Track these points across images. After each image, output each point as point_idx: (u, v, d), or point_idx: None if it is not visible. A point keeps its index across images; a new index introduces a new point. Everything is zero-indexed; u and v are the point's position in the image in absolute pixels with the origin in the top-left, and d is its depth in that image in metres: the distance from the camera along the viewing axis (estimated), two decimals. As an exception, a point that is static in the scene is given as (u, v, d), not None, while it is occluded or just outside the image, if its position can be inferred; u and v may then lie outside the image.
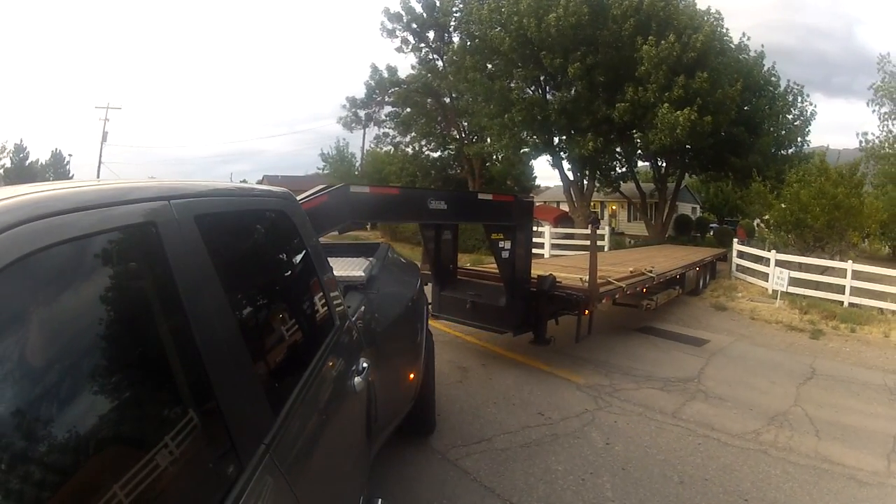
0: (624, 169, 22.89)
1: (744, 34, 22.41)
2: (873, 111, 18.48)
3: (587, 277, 6.51)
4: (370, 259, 3.82)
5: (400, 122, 26.79)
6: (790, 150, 19.67)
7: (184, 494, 1.03)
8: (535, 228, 10.28)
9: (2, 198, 0.88)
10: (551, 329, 6.42)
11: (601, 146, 17.62)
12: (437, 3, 23.66)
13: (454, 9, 23.09)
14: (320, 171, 35.38)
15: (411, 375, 3.47)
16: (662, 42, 15.19)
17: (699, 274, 11.48)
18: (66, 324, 0.90)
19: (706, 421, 4.92)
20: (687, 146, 17.75)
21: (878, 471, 4.13)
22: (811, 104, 19.92)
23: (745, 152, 18.46)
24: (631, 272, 8.15)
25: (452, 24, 23.79)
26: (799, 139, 19.59)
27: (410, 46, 25.18)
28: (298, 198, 2.73)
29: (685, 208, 32.30)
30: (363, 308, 2.92)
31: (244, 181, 18.70)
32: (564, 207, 23.98)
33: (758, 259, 13.05)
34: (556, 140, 19.81)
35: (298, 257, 2.16)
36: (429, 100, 25.50)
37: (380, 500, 2.34)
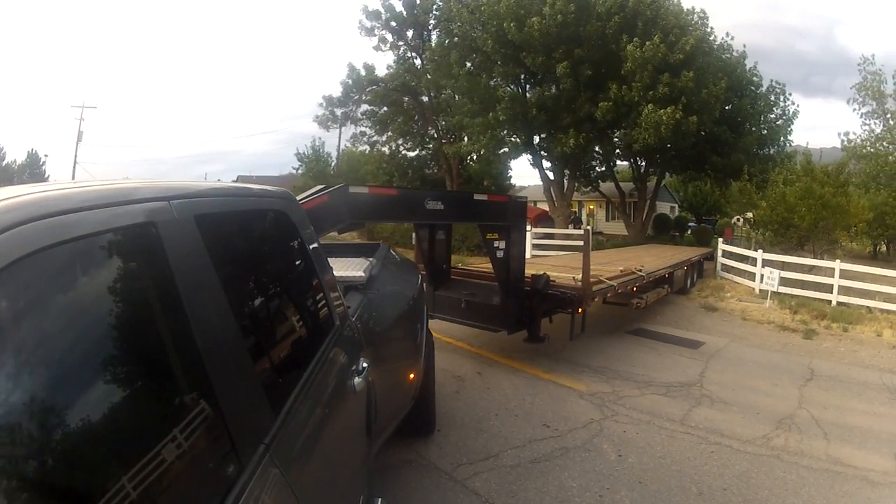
0: (603, 168, 22.91)
1: (727, 33, 22.71)
2: (854, 110, 18.76)
3: (580, 276, 6.61)
4: (370, 259, 3.78)
5: (377, 121, 26.44)
6: (772, 150, 19.89)
7: (184, 494, 1.02)
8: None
9: (3, 198, 0.88)
10: (545, 327, 6.44)
11: (584, 143, 17.55)
12: (418, 1, 23.44)
13: (434, 7, 22.93)
14: (295, 171, 34.75)
15: (411, 375, 3.46)
16: (648, 43, 15.15)
17: (687, 273, 11.66)
18: (67, 324, 0.90)
19: (715, 427, 4.80)
20: (668, 145, 17.79)
21: (888, 470, 4.13)
22: (793, 104, 20.22)
23: (728, 151, 18.60)
24: (621, 271, 8.20)
25: (432, 22, 23.66)
26: (781, 138, 19.83)
27: (389, 45, 24.96)
28: (298, 198, 2.70)
29: (663, 207, 32.50)
30: (363, 308, 2.91)
31: (218, 181, 18.24)
32: (542, 206, 23.97)
33: (743, 258, 13.09)
34: (536, 139, 19.74)
35: (298, 257, 2.17)
36: (406, 98, 25.25)
37: (379, 500, 2.33)
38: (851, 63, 19.10)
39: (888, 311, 9.75)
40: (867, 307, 10.16)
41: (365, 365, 2.23)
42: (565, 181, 21.23)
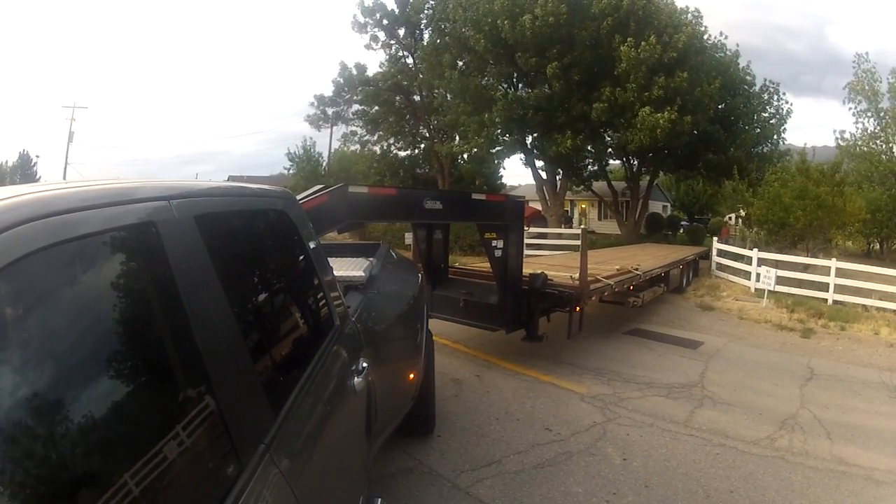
0: (596, 167, 22.96)
1: (721, 32, 22.75)
2: (849, 108, 18.85)
3: (577, 275, 6.63)
4: (370, 259, 3.76)
5: (368, 121, 26.33)
6: (765, 148, 19.96)
7: (184, 494, 1.02)
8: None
9: (3, 197, 0.88)
10: (542, 327, 6.46)
11: (580, 144, 17.53)
12: (410, 0, 23.38)
13: (426, 5, 22.86)
14: (286, 171, 34.57)
15: (411, 375, 3.45)
16: (643, 43, 15.13)
17: (683, 272, 11.69)
18: (67, 323, 0.89)
19: (719, 429, 4.75)
20: (660, 145, 17.81)
21: (892, 469, 4.13)
22: (787, 102, 20.33)
23: (721, 150, 18.64)
24: (618, 270, 8.20)
25: (424, 21, 23.58)
26: (775, 137, 19.90)
27: (380, 43, 24.94)
28: (298, 197, 2.65)
29: (655, 206, 32.46)
30: (363, 308, 2.90)
31: (210, 181, 18.13)
32: (535, 206, 23.90)
33: (738, 257, 13.08)
34: (529, 139, 19.67)
35: (298, 257, 2.16)
36: (398, 97, 25.16)
37: (379, 500, 2.33)
38: (842, 62, 19.27)
39: (884, 310, 9.77)
40: (863, 305, 10.16)
41: (365, 365, 2.23)
42: (558, 180, 21.20)
